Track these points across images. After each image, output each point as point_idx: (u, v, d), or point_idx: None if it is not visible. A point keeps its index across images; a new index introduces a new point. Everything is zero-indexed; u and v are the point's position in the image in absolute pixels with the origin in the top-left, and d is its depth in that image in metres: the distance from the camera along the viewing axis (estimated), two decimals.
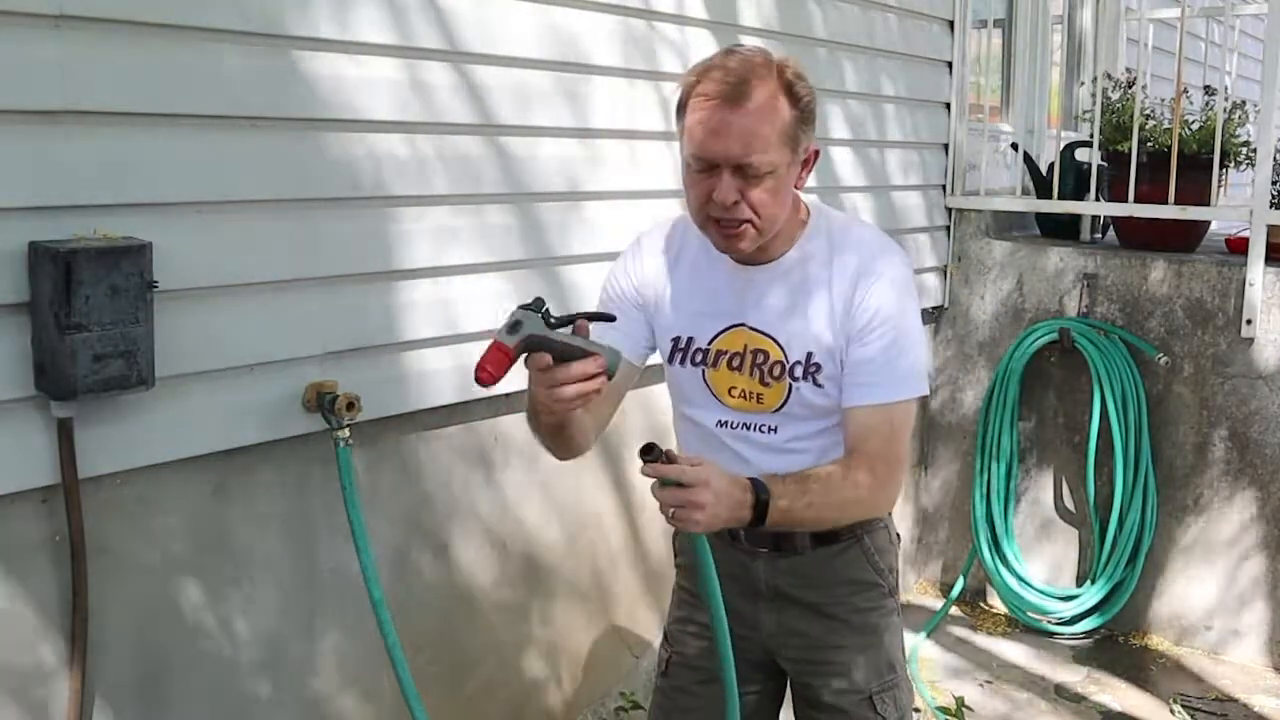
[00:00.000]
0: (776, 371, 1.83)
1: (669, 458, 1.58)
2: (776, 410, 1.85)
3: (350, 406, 2.25)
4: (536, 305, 1.52)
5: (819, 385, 1.81)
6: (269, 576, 2.30)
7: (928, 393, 1.84)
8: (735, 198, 1.68)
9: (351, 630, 2.44)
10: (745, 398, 1.86)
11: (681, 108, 1.73)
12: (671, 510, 1.59)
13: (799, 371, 1.82)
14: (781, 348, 1.82)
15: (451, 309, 2.56)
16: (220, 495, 2.21)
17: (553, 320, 1.52)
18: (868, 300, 1.78)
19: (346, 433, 2.27)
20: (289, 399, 2.25)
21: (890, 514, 2.06)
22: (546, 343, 1.52)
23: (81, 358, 1.83)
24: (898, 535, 2.08)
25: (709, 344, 1.87)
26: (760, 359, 1.84)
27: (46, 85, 1.85)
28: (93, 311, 1.83)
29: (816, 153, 1.79)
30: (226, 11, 2.08)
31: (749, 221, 1.71)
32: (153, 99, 2.00)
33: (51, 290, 1.80)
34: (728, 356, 1.86)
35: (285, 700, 2.35)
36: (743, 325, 1.85)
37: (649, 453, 1.56)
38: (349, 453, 2.28)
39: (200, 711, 2.20)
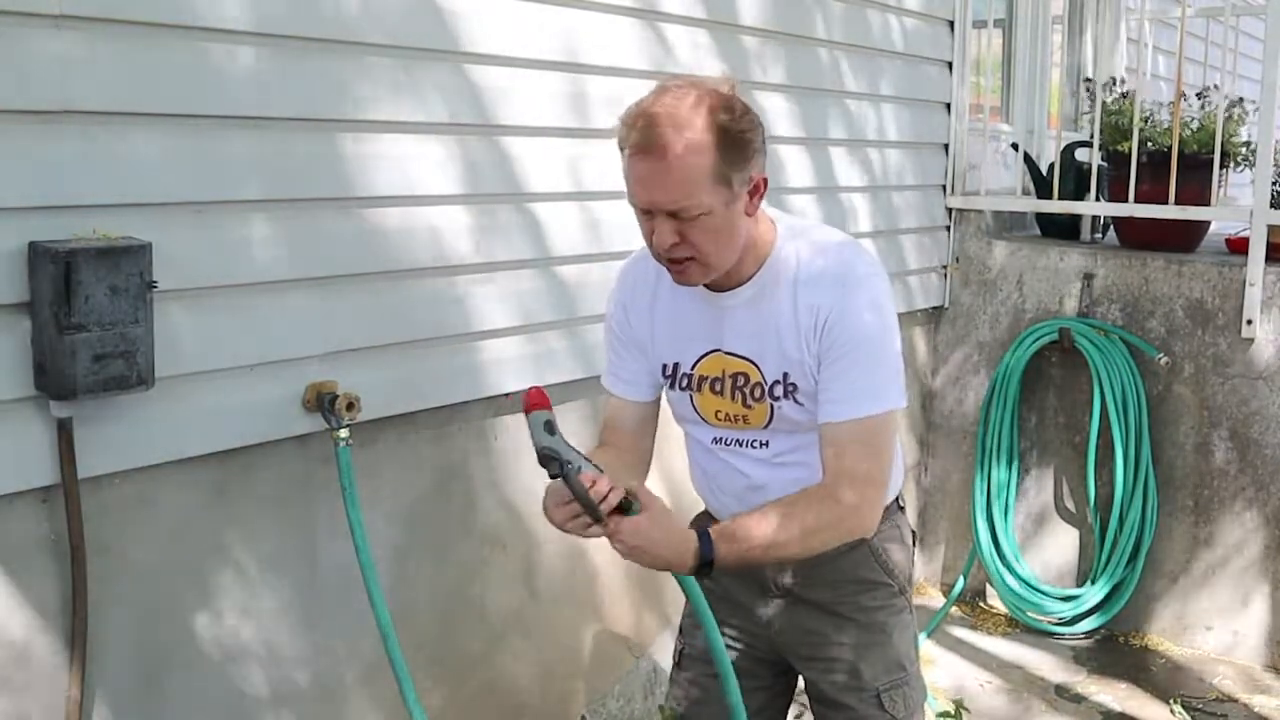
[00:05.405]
0: (757, 393, 1.85)
1: (624, 502, 1.64)
2: (764, 428, 1.88)
3: (350, 406, 2.25)
4: (559, 466, 1.63)
5: (799, 403, 1.83)
6: (269, 576, 2.30)
7: (904, 405, 1.84)
8: (673, 240, 1.70)
9: (351, 630, 2.44)
10: (730, 420, 1.90)
11: (621, 150, 1.74)
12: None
13: (778, 391, 1.83)
14: (759, 369, 1.84)
15: (452, 309, 2.56)
16: (220, 495, 2.21)
17: (570, 466, 1.64)
18: (833, 317, 1.77)
19: (346, 433, 2.27)
20: (289, 399, 2.25)
21: (903, 512, 2.07)
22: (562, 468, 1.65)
23: (81, 358, 1.83)
24: (913, 532, 2.09)
25: (691, 369, 1.90)
26: (741, 382, 1.86)
27: (46, 85, 1.85)
28: (93, 311, 1.83)
29: (764, 181, 1.76)
30: (226, 11, 2.08)
31: (692, 259, 1.72)
32: (153, 99, 2.00)
33: (51, 290, 1.80)
34: (709, 381, 1.89)
35: (285, 700, 2.35)
36: (719, 350, 1.87)
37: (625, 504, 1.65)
38: (349, 452, 2.28)
39: (200, 711, 2.20)
